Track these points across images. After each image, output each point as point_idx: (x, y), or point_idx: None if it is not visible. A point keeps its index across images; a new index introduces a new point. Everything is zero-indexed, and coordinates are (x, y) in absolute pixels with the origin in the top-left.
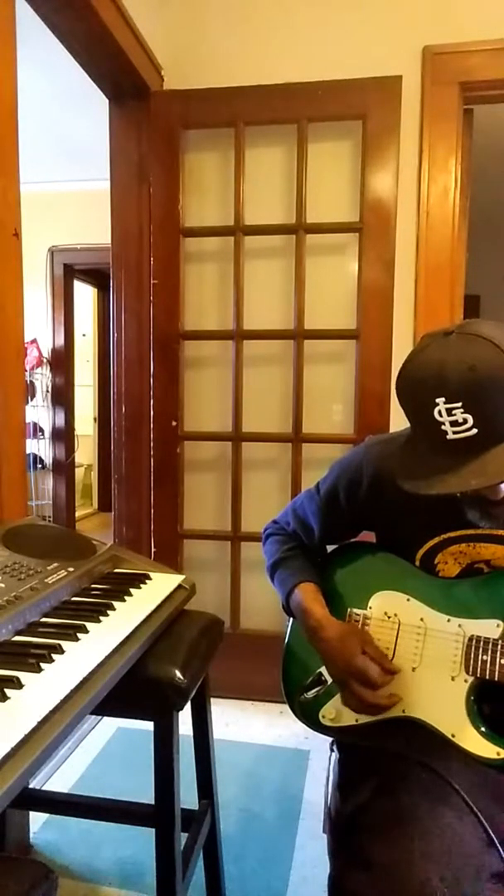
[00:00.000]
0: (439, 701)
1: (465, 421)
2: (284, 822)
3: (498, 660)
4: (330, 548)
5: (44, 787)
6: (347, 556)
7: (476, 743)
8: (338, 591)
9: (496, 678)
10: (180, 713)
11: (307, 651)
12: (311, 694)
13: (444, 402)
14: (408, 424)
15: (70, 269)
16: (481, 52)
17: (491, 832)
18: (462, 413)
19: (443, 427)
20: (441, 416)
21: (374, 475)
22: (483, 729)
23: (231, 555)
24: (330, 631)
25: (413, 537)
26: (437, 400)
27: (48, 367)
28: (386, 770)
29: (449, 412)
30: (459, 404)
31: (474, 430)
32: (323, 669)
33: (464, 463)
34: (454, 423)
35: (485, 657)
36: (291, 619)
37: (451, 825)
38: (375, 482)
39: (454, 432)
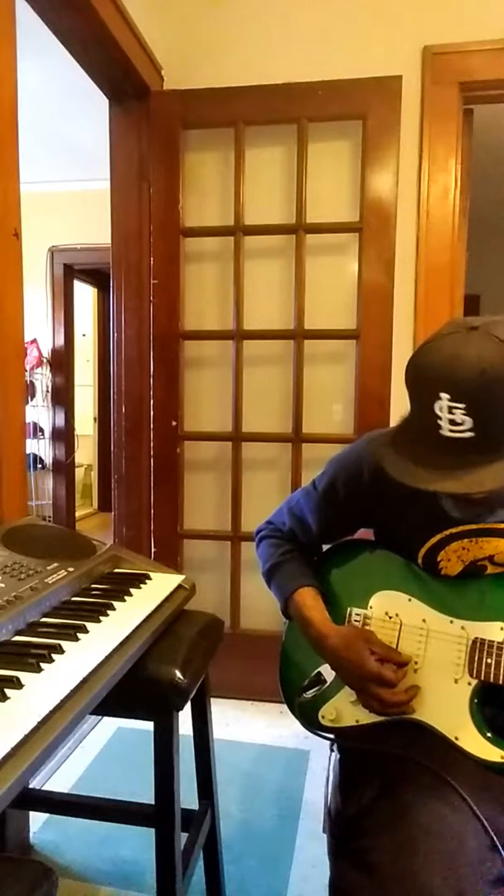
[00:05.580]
0: (442, 703)
1: (464, 423)
2: (284, 822)
3: (502, 663)
4: (326, 547)
5: (44, 787)
6: (346, 555)
7: (479, 746)
8: (337, 591)
9: (500, 681)
10: (180, 713)
11: (304, 652)
12: (309, 694)
13: (449, 399)
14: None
15: (70, 269)
16: (481, 52)
17: (493, 835)
18: (463, 414)
19: (439, 422)
20: (441, 410)
21: (376, 469)
22: (487, 733)
23: (231, 555)
24: (334, 639)
25: (415, 534)
26: (442, 394)
27: (48, 367)
28: (387, 771)
29: (450, 409)
30: (463, 406)
31: (470, 434)
32: (322, 669)
33: (453, 465)
34: (452, 422)
35: (489, 660)
36: (288, 621)
37: (454, 827)
38: (377, 476)
39: (450, 430)
